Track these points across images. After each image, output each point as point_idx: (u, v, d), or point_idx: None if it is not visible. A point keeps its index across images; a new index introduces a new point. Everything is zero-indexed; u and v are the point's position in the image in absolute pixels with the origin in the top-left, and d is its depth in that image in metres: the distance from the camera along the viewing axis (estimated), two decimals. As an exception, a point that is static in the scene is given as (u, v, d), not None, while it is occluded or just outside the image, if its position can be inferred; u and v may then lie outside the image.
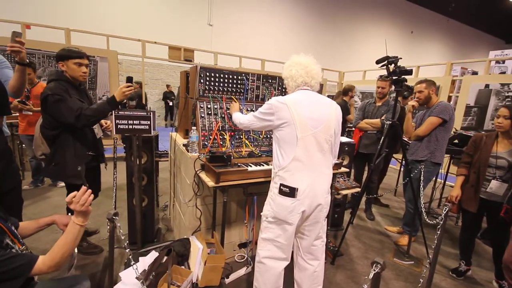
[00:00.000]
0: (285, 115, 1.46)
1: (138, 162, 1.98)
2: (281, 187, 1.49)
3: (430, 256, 1.70)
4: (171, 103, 10.22)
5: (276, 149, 1.55)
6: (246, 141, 2.24)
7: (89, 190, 1.13)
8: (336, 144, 1.62)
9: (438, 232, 1.69)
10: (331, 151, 1.57)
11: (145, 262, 1.76)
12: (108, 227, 1.27)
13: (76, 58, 1.91)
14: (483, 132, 2.28)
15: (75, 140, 1.95)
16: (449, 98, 5.16)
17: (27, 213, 2.75)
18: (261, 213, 1.62)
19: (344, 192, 2.42)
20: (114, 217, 1.22)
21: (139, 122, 1.80)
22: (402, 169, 3.94)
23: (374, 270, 0.98)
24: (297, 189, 1.46)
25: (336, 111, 1.58)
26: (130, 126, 1.78)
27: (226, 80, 2.24)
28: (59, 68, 1.93)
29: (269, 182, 1.87)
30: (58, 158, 1.92)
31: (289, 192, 1.47)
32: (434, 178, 3.63)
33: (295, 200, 1.47)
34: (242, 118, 1.82)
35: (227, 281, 2.01)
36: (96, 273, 2.03)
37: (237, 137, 2.23)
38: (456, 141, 3.41)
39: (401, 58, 2.22)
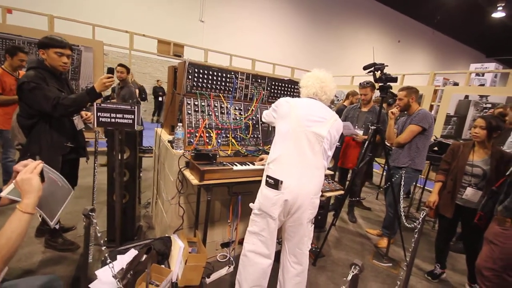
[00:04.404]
0: (285, 110, 1.61)
1: (120, 157, 1.92)
2: (267, 179, 1.57)
3: (407, 259, 1.75)
4: (160, 98, 10.02)
5: (272, 143, 1.66)
6: (233, 140, 2.23)
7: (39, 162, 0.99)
8: (330, 151, 1.65)
9: (416, 236, 1.74)
10: (323, 154, 1.58)
11: (123, 260, 1.70)
12: (85, 223, 1.22)
13: (58, 48, 1.84)
14: (461, 141, 2.37)
15: (51, 130, 1.88)
16: (431, 107, 5.36)
17: None
18: (249, 204, 1.70)
19: (328, 194, 2.45)
20: (90, 213, 1.18)
21: (123, 115, 1.74)
22: (384, 173, 4.04)
23: (353, 272, 0.99)
24: (281, 181, 1.51)
25: (336, 122, 1.62)
26: (113, 120, 1.72)
27: (215, 78, 2.22)
28: (39, 55, 1.86)
29: (254, 182, 1.88)
30: (33, 148, 1.84)
31: (274, 184, 1.53)
32: (413, 184, 3.75)
33: (279, 192, 1.52)
34: (263, 112, 1.95)
35: (208, 280, 1.99)
36: (72, 271, 1.96)
37: (224, 135, 2.21)
38: (435, 148, 3.54)
39: (387, 66, 2.28)
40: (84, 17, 5.67)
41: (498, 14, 11.49)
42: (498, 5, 10.94)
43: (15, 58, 2.86)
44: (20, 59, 2.88)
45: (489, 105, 4.46)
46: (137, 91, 7.21)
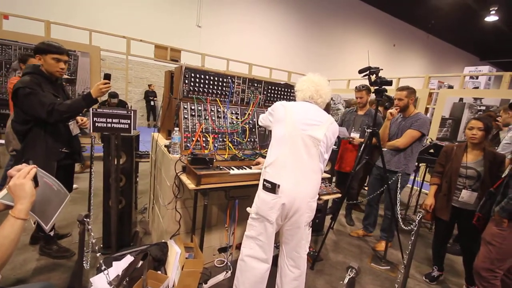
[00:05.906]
0: (281, 114, 1.63)
1: (116, 162, 1.91)
2: (264, 183, 1.57)
3: (405, 261, 1.75)
4: (152, 103, 10.03)
5: (269, 147, 1.66)
6: (230, 144, 2.23)
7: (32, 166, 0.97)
8: (327, 154, 1.65)
9: (412, 238, 1.74)
10: (320, 157, 1.59)
11: (119, 266, 1.68)
12: (79, 229, 1.21)
13: (55, 54, 1.84)
14: (456, 143, 2.38)
15: (47, 136, 1.86)
16: (426, 109, 5.41)
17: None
18: (247, 209, 1.69)
19: (325, 197, 2.44)
20: (85, 219, 1.16)
21: (119, 120, 1.74)
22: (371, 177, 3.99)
23: (349, 275, 0.99)
24: (279, 185, 1.51)
25: (332, 125, 1.63)
26: (109, 125, 1.72)
27: (211, 82, 2.23)
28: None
29: (251, 186, 1.88)
30: (28, 154, 1.82)
31: (271, 187, 1.53)
32: (410, 186, 3.75)
33: (276, 196, 1.52)
34: (260, 116, 1.98)
35: (205, 286, 1.97)
36: (67, 278, 1.93)
37: (221, 139, 2.21)
38: (431, 150, 3.56)
39: (382, 69, 2.30)
40: (81, 22, 5.69)
41: (491, 18, 11.67)
42: (490, 9, 11.12)
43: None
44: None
45: (483, 108, 4.51)
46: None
